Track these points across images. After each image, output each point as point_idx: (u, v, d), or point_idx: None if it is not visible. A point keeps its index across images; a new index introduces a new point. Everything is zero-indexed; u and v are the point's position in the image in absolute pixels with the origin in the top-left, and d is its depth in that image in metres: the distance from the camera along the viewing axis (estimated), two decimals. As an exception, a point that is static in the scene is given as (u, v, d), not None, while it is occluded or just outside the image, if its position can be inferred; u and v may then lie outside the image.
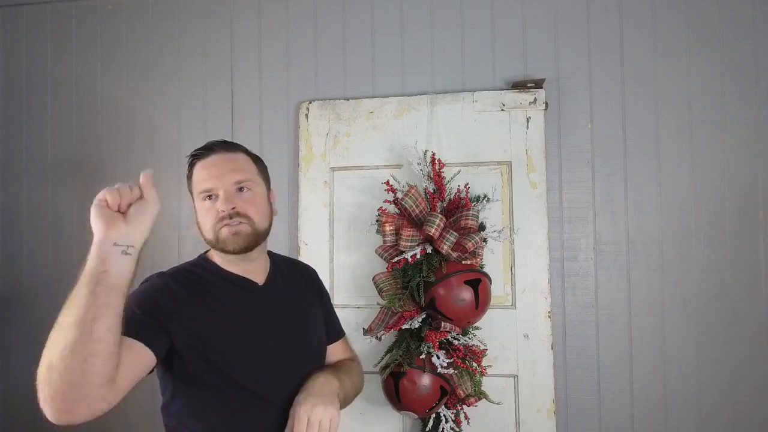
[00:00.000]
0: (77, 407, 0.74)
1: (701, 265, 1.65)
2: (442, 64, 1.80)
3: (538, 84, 1.70)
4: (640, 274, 1.68)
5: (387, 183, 1.59)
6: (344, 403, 1.12)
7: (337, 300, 1.75)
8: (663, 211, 1.68)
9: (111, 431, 1.91)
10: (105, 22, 2.01)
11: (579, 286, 1.70)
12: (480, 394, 1.56)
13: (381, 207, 1.61)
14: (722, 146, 1.66)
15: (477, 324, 1.58)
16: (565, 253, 1.71)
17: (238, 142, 1.17)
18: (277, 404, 1.06)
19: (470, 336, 1.57)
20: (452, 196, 1.61)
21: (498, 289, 1.66)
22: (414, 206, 1.54)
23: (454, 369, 1.50)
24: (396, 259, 1.53)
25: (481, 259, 1.59)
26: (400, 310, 1.54)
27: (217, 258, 1.12)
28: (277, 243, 1.76)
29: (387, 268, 1.56)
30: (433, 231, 1.48)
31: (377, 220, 1.61)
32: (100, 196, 0.77)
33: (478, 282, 1.50)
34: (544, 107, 1.69)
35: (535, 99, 1.69)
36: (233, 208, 1.04)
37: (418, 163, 1.63)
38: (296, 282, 1.25)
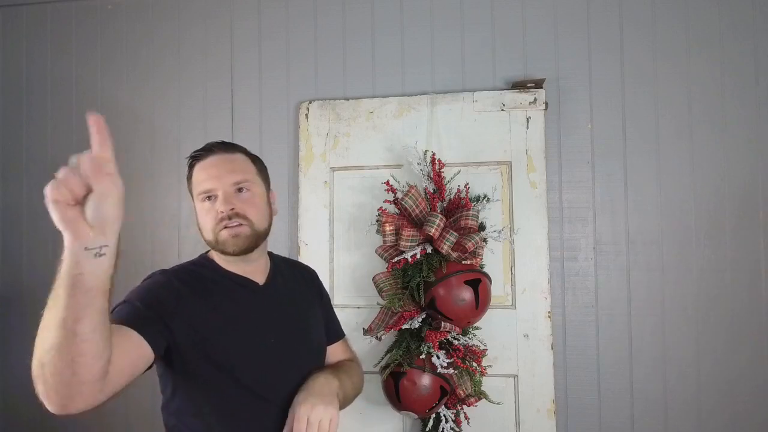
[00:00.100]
0: (72, 401, 0.74)
1: (701, 265, 1.65)
2: (442, 64, 1.80)
3: (538, 84, 1.70)
4: (640, 274, 1.68)
5: (387, 183, 1.59)
6: (344, 403, 1.12)
7: (337, 300, 1.75)
8: (663, 211, 1.68)
9: (111, 431, 1.91)
10: (105, 22, 2.01)
11: (579, 286, 1.70)
12: (480, 394, 1.56)
13: (381, 207, 1.61)
14: (722, 146, 1.66)
15: (477, 324, 1.58)
16: (565, 253, 1.71)
17: (238, 142, 1.17)
18: (277, 404, 1.06)
19: (470, 336, 1.57)
20: (452, 196, 1.61)
21: (498, 289, 1.66)
22: (414, 206, 1.54)
23: (454, 369, 1.50)
24: (396, 259, 1.53)
25: (481, 259, 1.59)
26: (400, 310, 1.54)
27: (218, 258, 1.12)
28: (277, 243, 1.77)
29: (387, 268, 1.56)
30: (433, 231, 1.48)
31: (377, 220, 1.61)
32: (48, 195, 0.64)
33: (478, 282, 1.50)
34: (544, 107, 1.69)
35: (535, 99, 1.69)
36: (232, 208, 1.05)
37: (418, 163, 1.63)
38: (297, 282, 1.26)
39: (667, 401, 1.65)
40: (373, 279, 1.60)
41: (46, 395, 0.73)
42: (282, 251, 1.79)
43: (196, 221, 1.11)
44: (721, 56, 1.67)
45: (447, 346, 1.54)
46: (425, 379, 1.50)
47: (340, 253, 1.78)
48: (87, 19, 2.02)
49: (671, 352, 1.65)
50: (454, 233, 1.49)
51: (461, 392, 1.53)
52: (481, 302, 1.49)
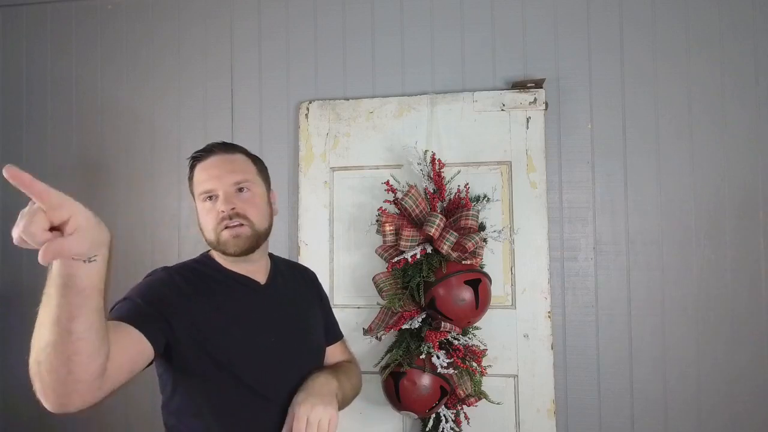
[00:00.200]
0: (69, 400, 0.74)
1: (701, 265, 1.65)
2: (442, 64, 1.80)
3: (538, 84, 1.70)
4: (640, 274, 1.68)
5: (387, 183, 1.59)
6: (342, 404, 1.12)
7: (337, 300, 1.75)
8: (663, 211, 1.68)
9: (111, 430, 1.91)
10: (105, 22, 2.01)
11: (579, 286, 1.70)
12: (480, 394, 1.56)
13: (381, 207, 1.61)
14: (722, 146, 1.66)
15: (477, 324, 1.58)
16: (565, 253, 1.71)
17: (238, 142, 1.18)
18: (277, 403, 1.06)
19: (470, 336, 1.57)
20: (452, 196, 1.61)
21: (498, 289, 1.66)
22: (414, 206, 1.54)
23: (454, 369, 1.50)
24: (396, 259, 1.53)
25: (481, 259, 1.59)
26: (400, 310, 1.54)
27: (219, 257, 1.12)
28: (277, 243, 1.77)
29: (387, 268, 1.56)
30: (433, 231, 1.48)
31: (377, 220, 1.61)
32: (16, 242, 0.61)
33: (478, 282, 1.50)
34: (544, 107, 1.69)
35: (535, 99, 1.69)
36: (233, 208, 1.05)
37: (418, 163, 1.63)
38: (297, 283, 1.26)
39: (667, 401, 1.65)
40: (373, 279, 1.60)
41: (43, 393, 0.73)
42: (282, 251, 1.79)
43: (197, 221, 1.11)
44: (721, 56, 1.67)
45: (447, 346, 1.54)
46: (425, 379, 1.50)
47: (340, 253, 1.78)
48: (87, 19, 2.02)
49: (671, 352, 1.65)
50: (454, 233, 1.49)
51: (461, 392, 1.53)
52: (481, 302, 1.49)
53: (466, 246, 1.46)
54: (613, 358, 1.67)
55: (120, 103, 1.99)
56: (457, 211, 1.57)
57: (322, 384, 1.08)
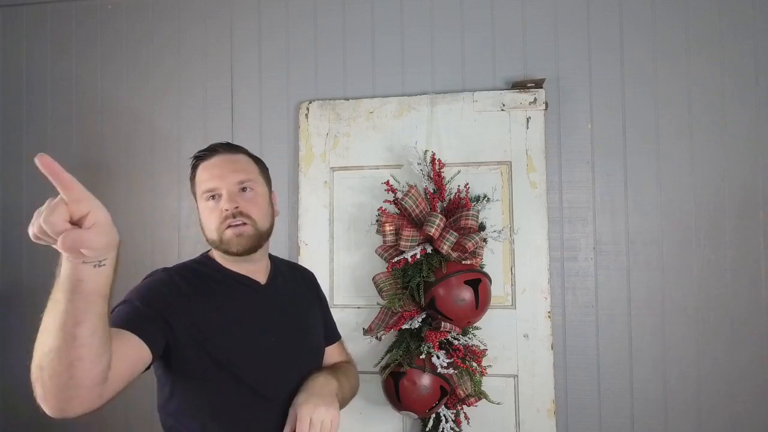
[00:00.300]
0: (70, 405, 0.74)
1: (701, 265, 1.65)
2: (442, 64, 1.80)
3: (538, 84, 1.70)
4: (640, 274, 1.68)
5: (387, 183, 1.59)
6: (341, 404, 1.13)
7: (337, 300, 1.75)
8: (663, 211, 1.68)
9: (111, 431, 1.91)
10: (105, 22, 2.01)
11: (579, 286, 1.70)
12: (480, 394, 1.56)
13: (381, 207, 1.61)
14: (722, 146, 1.66)
15: (477, 324, 1.58)
16: (565, 253, 1.71)
17: (238, 142, 1.19)
18: (278, 403, 1.06)
19: (470, 336, 1.57)
20: (452, 196, 1.61)
21: (498, 289, 1.66)
22: (414, 206, 1.54)
23: (454, 369, 1.50)
24: (396, 259, 1.53)
25: (481, 259, 1.59)
26: (400, 310, 1.54)
27: (219, 257, 1.12)
28: (277, 243, 1.77)
29: (387, 268, 1.56)
30: (433, 231, 1.48)
31: (377, 220, 1.61)
32: (32, 237, 0.63)
33: (478, 282, 1.50)
34: (544, 107, 1.69)
35: (535, 99, 1.69)
36: (236, 207, 1.05)
37: (418, 163, 1.63)
38: (296, 283, 1.27)
39: (667, 401, 1.65)
40: (373, 279, 1.60)
41: (44, 398, 0.73)
42: (282, 251, 1.79)
43: (199, 221, 1.11)
44: (721, 56, 1.67)
45: (447, 346, 1.54)
46: (425, 379, 1.50)
47: (340, 253, 1.78)
48: (87, 19, 2.02)
49: (671, 352, 1.65)
50: (454, 233, 1.49)
51: (461, 392, 1.53)
52: (481, 302, 1.49)
53: (466, 246, 1.46)
54: (613, 358, 1.67)
55: (120, 103, 1.99)
56: (457, 211, 1.57)
57: (322, 384, 1.08)
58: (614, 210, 1.70)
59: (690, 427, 1.63)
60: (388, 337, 1.61)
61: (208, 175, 1.08)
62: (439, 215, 1.50)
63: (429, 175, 1.62)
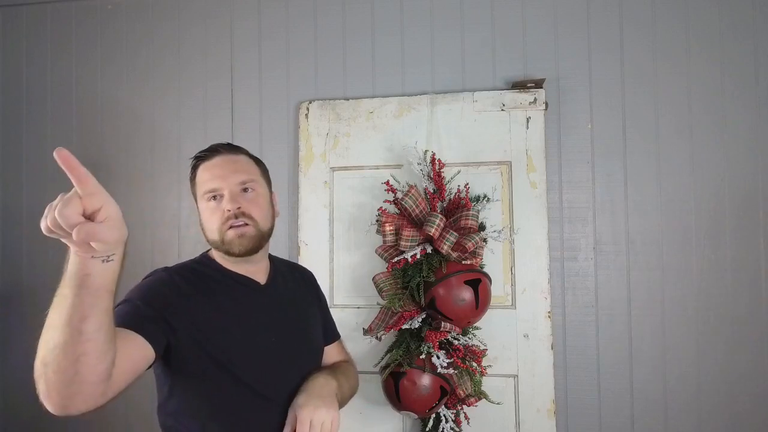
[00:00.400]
0: (73, 402, 0.74)
1: (701, 265, 1.65)
2: (442, 64, 1.80)
3: (538, 84, 1.70)
4: (640, 274, 1.68)
5: (387, 183, 1.59)
6: (340, 403, 1.13)
7: (336, 300, 1.75)
8: (663, 211, 1.68)
9: (111, 431, 1.91)
10: (105, 22, 2.01)
11: (579, 286, 1.70)
12: (480, 394, 1.56)
13: (381, 207, 1.61)
14: (722, 146, 1.66)
15: (477, 324, 1.58)
16: (565, 253, 1.71)
17: (238, 143, 1.19)
18: (278, 403, 1.06)
19: (470, 336, 1.57)
20: (452, 196, 1.61)
21: (498, 289, 1.66)
22: (414, 206, 1.54)
23: (454, 369, 1.50)
24: (396, 259, 1.53)
25: (481, 259, 1.59)
26: (400, 310, 1.54)
27: (219, 257, 1.12)
28: (277, 243, 1.77)
29: (387, 268, 1.56)
30: (433, 231, 1.48)
31: (377, 220, 1.61)
32: (44, 231, 0.65)
33: (478, 282, 1.50)
34: (544, 107, 1.69)
35: (535, 99, 1.69)
36: (239, 207, 1.05)
37: (418, 163, 1.63)
38: (296, 283, 1.27)
39: (667, 401, 1.65)
40: (373, 279, 1.60)
41: (47, 395, 0.73)
42: (282, 251, 1.79)
43: (200, 222, 1.11)
44: (721, 56, 1.67)
45: (447, 346, 1.54)
46: (425, 379, 1.50)
47: (340, 253, 1.78)
48: (87, 19, 2.02)
49: (671, 352, 1.65)
50: (454, 233, 1.49)
51: (461, 392, 1.53)
52: (481, 302, 1.49)
53: (466, 246, 1.46)
54: (613, 358, 1.67)
55: (120, 103, 1.99)
56: (457, 211, 1.57)
57: (322, 385, 1.08)
58: (614, 210, 1.70)
59: (690, 427, 1.63)
60: (388, 337, 1.61)
61: (209, 175, 1.08)
62: (439, 215, 1.50)
63: (429, 175, 1.62)
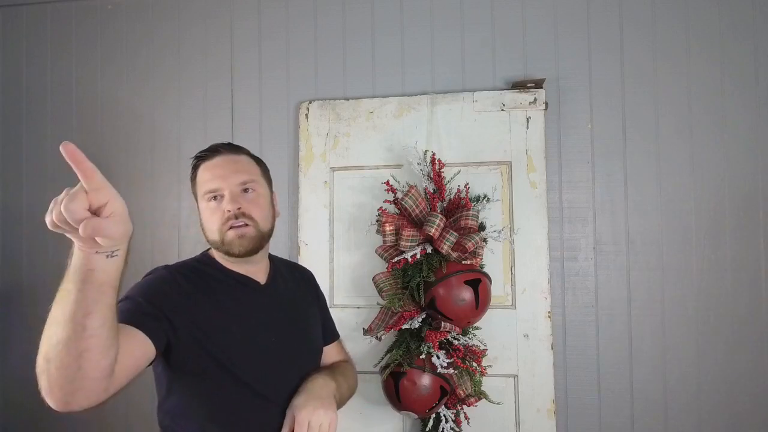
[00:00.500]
0: (75, 398, 0.74)
1: (701, 265, 1.65)
2: (442, 64, 1.80)
3: (538, 84, 1.70)
4: (640, 274, 1.68)
5: (387, 183, 1.59)
6: (339, 404, 1.13)
7: (336, 300, 1.75)
8: (663, 211, 1.68)
9: (111, 431, 1.91)
10: (105, 22, 2.01)
11: (579, 286, 1.70)
12: (480, 394, 1.56)
13: (381, 207, 1.61)
14: (722, 146, 1.66)
15: (477, 324, 1.58)
16: (565, 253, 1.71)
17: (238, 142, 1.19)
18: (277, 403, 1.06)
19: (470, 336, 1.57)
20: (452, 196, 1.61)
21: (498, 289, 1.66)
22: (414, 206, 1.54)
23: (454, 369, 1.50)
24: (396, 259, 1.53)
25: (481, 259, 1.59)
26: (400, 310, 1.54)
27: (220, 257, 1.12)
28: (277, 243, 1.77)
29: (387, 268, 1.56)
30: (433, 231, 1.48)
31: (377, 220, 1.61)
32: (49, 225, 0.64)
33: (478, 282, 1.50)
34: (544, 107, 1.69)
35: (535, 99, 1.69)
36: (239, 207, 1.05)
37: (418, 163, 1.63)
38: (296, 283, 1.27)
39: (667, 401, 1.65)
40: (373, 279, 1.60)
41: (49, 390, 0.73)
42: (282, 251, 1.79)
43: (200, 222, 1.11)
44: (721, 56, 1.67)
45: (447, 346, 1.54)
46: (425, 379, 1.50)
47: (340, 253, 1.78)
48: (87, 19, 2.02)
49: (671, 352, 1.65)
50: (454, 233, 1.49)
51: (461, 392, 1.53)
52: (481, 302, 1.49)
53: (466, 246, 1.46)
54: (613, 358, 1.67)
55: (120, 103, 1.99)
56: (457, 211, 1.57)
57: (321, 386, 1.08)
58: (614, 210, 1.70)
59: (690, 427, 1.63)
60: (388, 337, 1.61)
61: (210, 175, 1.08)
62: (439, 215, 1.50)
63: (429, 175, 1.62)
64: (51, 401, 0.74)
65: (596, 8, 1.73)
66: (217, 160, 1.10)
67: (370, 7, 1.85)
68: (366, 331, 1.60)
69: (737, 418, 1.61)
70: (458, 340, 1.54)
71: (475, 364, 1.54)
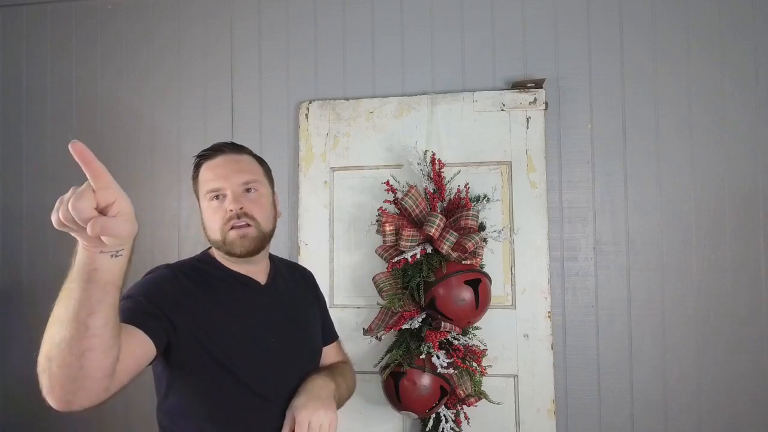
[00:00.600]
0: (77, 398, 0.74)
1: (701, 265, 1.65)
2: (442, 64, 1.80)
3: (538, 84, 1.70)
4: (640, 274, 1.68)
5: (387, 183, 1.59)
6: (338, 405, 1.13)
7: (337, 300, 1.75)
8: (663, 211, 1.68)
9: (110, 431, 1.91)
10: (105, 22, 2.01)
11: (579, 286, 1.70)
12: (480, 394, 1.56)
13: (381, 207, 1.61)
14: (722, 146, 1.66)
15: (477, 324, 1.58)
16: (565, 253, 1.71)
17: (238, 143, 1.18)
18: (277, 404, 1.06)
19: (470, 336, 1.57)
20: (452, 196, 1.61)
21: (498, 289, 1.66)
22: (414, 206, 1.54)
23: (454, 369, 1.50)
24: (396, 259, 1.53)
25: (481, 259, 1.59)
26: (400, 310, 1.54)
27: (220, 257, 1.12)
28: (277, 243, 1.76)
29: (387, 268, 1.56)
30: (433, 231, 1.48)
31: (377, 220, 1.61)
32: (55, 224, 0.64)
33: (478, 282, 1.50)
34: (544, 107, 1.69)
35: (535, 99, 1.69)
36: (241, 207, 1.05)
37: (418, 163, 1.63)
38: (296, 283, 1.27)
39: (667, 401, 1.65)
40: (373, 279, 1.60)
41: (50, 389, 0.73)
42: (282, 251, 1.79)
43: (201, 221, 1.11)
44: (721, 56, 1.67)
45: (447, 346, 1.54)
46: (425, 379, 1.50)
47: (340, 253, 1.78)
48: (87, 19, 2.02)
49: (671, 352, 1.65)
50: (454, 233, 1.49)
51: (461, 392, 1.53)
52: (481, 302, 1.49)
53: (466, 246, 1.46)
54: (613, 358, 1.67)
55: (120, 103, 1.99)
56: (457, 211, 1.57)
57: (321, 387, 1.08)
58: (614, 210, 1.70)
59: (690, 427, 1.63)
60: (388, 337, 1.61)
61: (212, 174, 1.08)
62: (439, 215, 1.50)
63: (429, 175, 1.62)
64: (52, 400, 0.74)
65: (596, 8, 1.73)
66: (219, 160, 1.09)
67: (370, 7, 1.85)
68: (366, 331, 1.60)
69: (737, 418, 1.61)
70: (458, 340, 1.54)
71: (475, 364, 1.54)
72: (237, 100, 1.92)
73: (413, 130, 1.75)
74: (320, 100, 1.83)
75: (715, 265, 1.65)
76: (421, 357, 1.52)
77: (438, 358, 1.48)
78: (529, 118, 1.70)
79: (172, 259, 1.86)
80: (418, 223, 1.56)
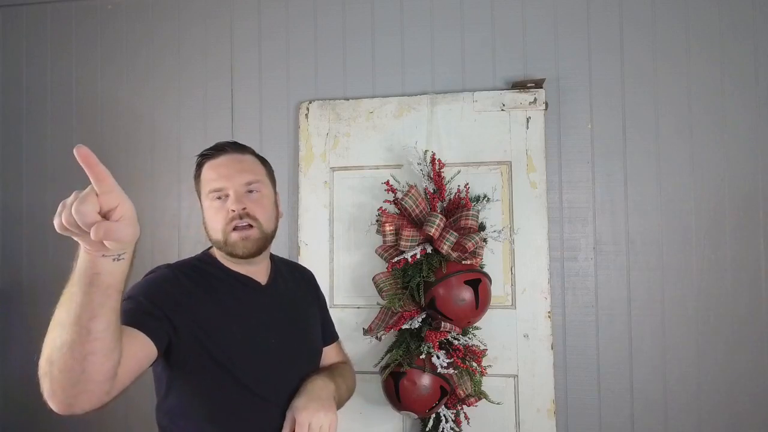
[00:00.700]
0: (78, 401, 0.74)
1: (701, 265, 1.65)
2: (442, 64, 1.80)
3: (538, 84, 1.70)
4: (640, 274, 1.68)
5: (387, 183, 1.59)
6: (337, 405, 1.13)
7: (337, 300, 1.75)
8: (663, 211, 1.68)
9: (110, 431, 1.91)
10: (105, 22, 2.01)
11: (579, 286, 1.70)
12: (480, 394, 1.56)
13: (381, 207, 1.61)
14: (722, 146, 1.66)
15: (477, 324, 1.58)
16: (565, 253, 1.71)
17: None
18: (277, 404, 1.06)
19: (470, 336, 1.57)
20: (452, 196, 1.61)
21: (498, 289, 1.66)
22: (414, 206, 1.54)
23: (454, 369, 1.50)
24: (396, 259, 1.53)
25: (481, 259, 1.59)
26: (400, 310, 1.54)
27: (221, 256, 1.12)
28: (277, 243, 1.74)
29: (387, 268, 1.56)
30: (433, 231, 1.48)
31: (377, 220, 1.61)
32: (58, 228, 0.64)
33: (478, 282, 1.50)
34: (544, 107, 1.69)
35: (535, 99, 1.69)
36: (244, 208, 1.05)
37: (418, 163, 1.63)
38: (296, 283, 1.26)
39: (667, 401, 1.65)
40: (373, 279, 1.60)
41: (52, 393, 0.73)
42: (282, 251, 1.79)
43: (203, 220, 1.11)
44: (721, 56, 1.67)
45: (447, 346, 1.54)
46: (425, 379, 1.50)
47: (340, 253, 1.78)
48: (87, 19, 2.02)
49: (671, 352, 1.65)
50: (454, 233, 1.49)
51: (461, 392, 1.53)
52: (481, 302, 1.49)
53: (466, 246, 1.46)
54: (613, 358, 1.67)
55: (120, 103, 1.99)
56: (457, 211, 1.57)
57: (321, 387, 1.08)
58: (614, 210, 1.70)
59: (690, 427, 1.63)
60: (388, 337, 1.61)
61: (215, 174, 1.08)
62: (439, 215, 1.50)
63: (429, 175, 1.62)
64: (53, 404, 0.74)
65: (596, 8, 1.73)
66: (222, 159, 1.09)
67: (370, 7, 1.85)
68: (366, 331, 1.60)
69: (737, 418, 1.61)
70: (458, 340, 1.54)
71: (475, 364, 1.54)
72: (237, 100, 1.92)
73: (413, 130, 1.75)
74: (320, 100, 1.83)
75: (715, 265, 1.65)
76: (421, 357, 1.52)
77: (438, 358, 1.48)
78: (529, 118, 1.70)
79: (172, 259, 1.86)
80: (418, 223, 1.56)
